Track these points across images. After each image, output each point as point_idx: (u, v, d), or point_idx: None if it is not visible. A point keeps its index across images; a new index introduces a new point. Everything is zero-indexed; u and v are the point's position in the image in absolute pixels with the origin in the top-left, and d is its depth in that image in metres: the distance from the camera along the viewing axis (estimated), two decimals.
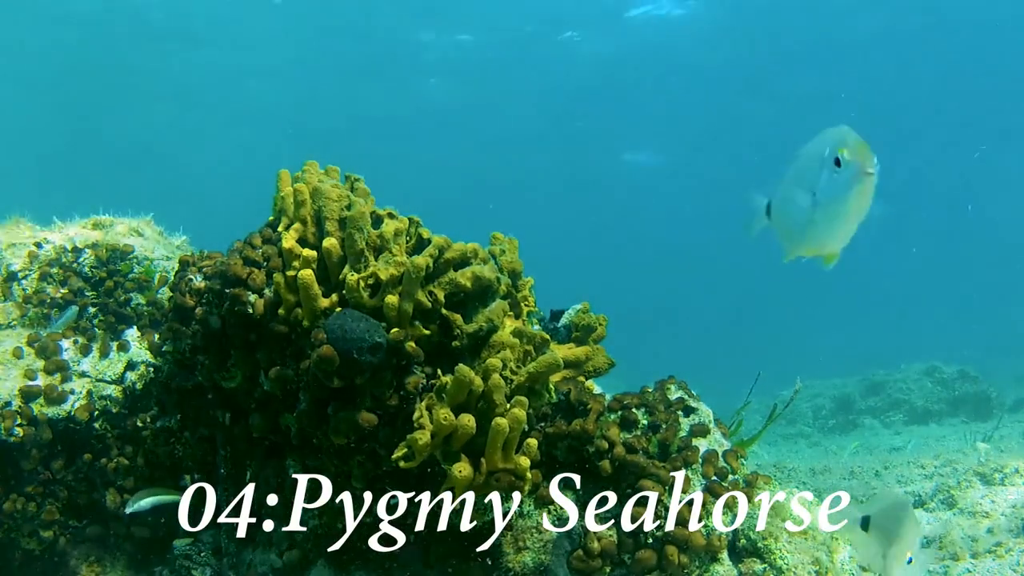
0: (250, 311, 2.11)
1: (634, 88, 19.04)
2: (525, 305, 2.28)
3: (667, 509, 2.12)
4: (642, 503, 2.11)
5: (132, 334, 2.79)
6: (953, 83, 18.38)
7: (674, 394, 2.39)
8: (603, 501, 2.15)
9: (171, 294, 2.42)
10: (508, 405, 1.89)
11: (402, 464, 1.91)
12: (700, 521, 2.12)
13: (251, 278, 2.13)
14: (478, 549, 2.10)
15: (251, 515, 2.41)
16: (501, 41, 16.80)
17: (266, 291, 2.12)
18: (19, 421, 2.46)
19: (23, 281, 2.97)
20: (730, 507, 2.17)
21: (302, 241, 2.13)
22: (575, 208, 27.49)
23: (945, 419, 8.76)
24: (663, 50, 16.97)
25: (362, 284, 2.01)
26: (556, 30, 16.67)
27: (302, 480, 2.23)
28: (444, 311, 2.05)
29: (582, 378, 2.32)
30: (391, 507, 2.09)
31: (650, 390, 2.39)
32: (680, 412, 2.31)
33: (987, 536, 3.12)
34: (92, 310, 2.90)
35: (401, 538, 2.17)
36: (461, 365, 1.86)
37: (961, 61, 17.23)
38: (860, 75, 17.86)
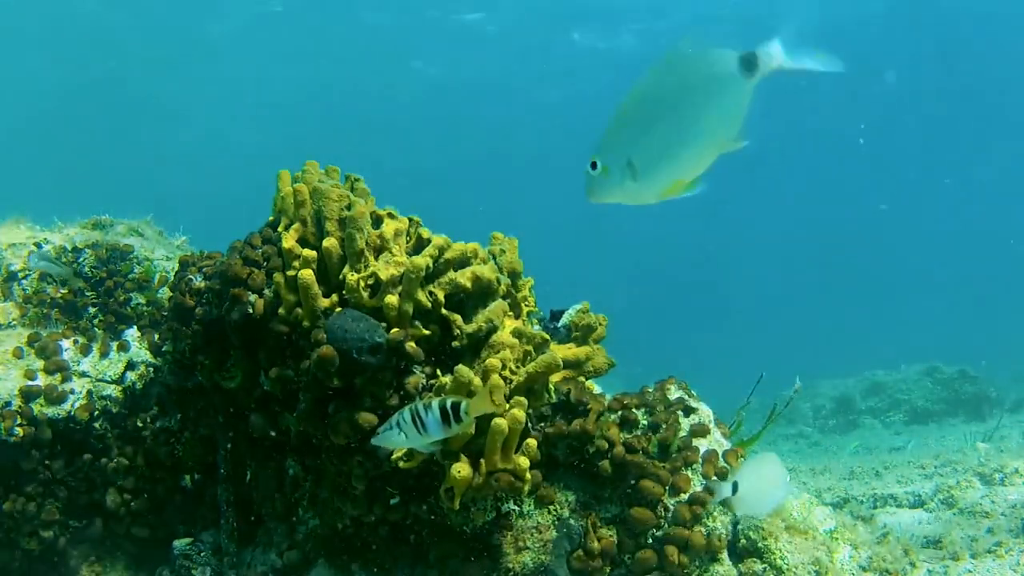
0: (250, 311, 2.11)
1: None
2: (525, 305, 2.28)
3: (667, 509, 2.12)
4: (643, 503, 2.11)
5: (132, 334, 2.79)
6: (953, 82, 18.38)
7: (674, 394, 2.39)
8: (603, 501, 2.16)
9: (171, 294, 2.42)
10: (507, 405, 1.89)
11: (401, 464, 1.91)
12: (700, 521, 2.12)
13: (251, 278, 2.13)
14: (478, 549, 2.10)
15: (251, 515, 2.42)
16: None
17: (266, 291, 2.12)
18: (19, 421, 2.46)
19: (23, 281, 2.97)
20: (730, 507, 2.17)
21: (302, 241, 2.13)
22: (577, 208, 27.51)
23: (945, 419, 8.76)
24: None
25: (362, 284, 2.01)
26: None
27: (302, 480, 2.23)
28: (444, 311, 2.05)
29: (582, 378, 2.32)
30: (391, 507, 2.09)
31: (650, 390, 2.39)
32: (680, 412, 2.31)
33: (987, 536, 3.12)
34: (92, 310, 2.91)
35: (401, 538, 2.17)
36: (460, 365, 1.86)
37: (962, 53, 17.22)
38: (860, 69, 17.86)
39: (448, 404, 1.64)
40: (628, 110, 1.23)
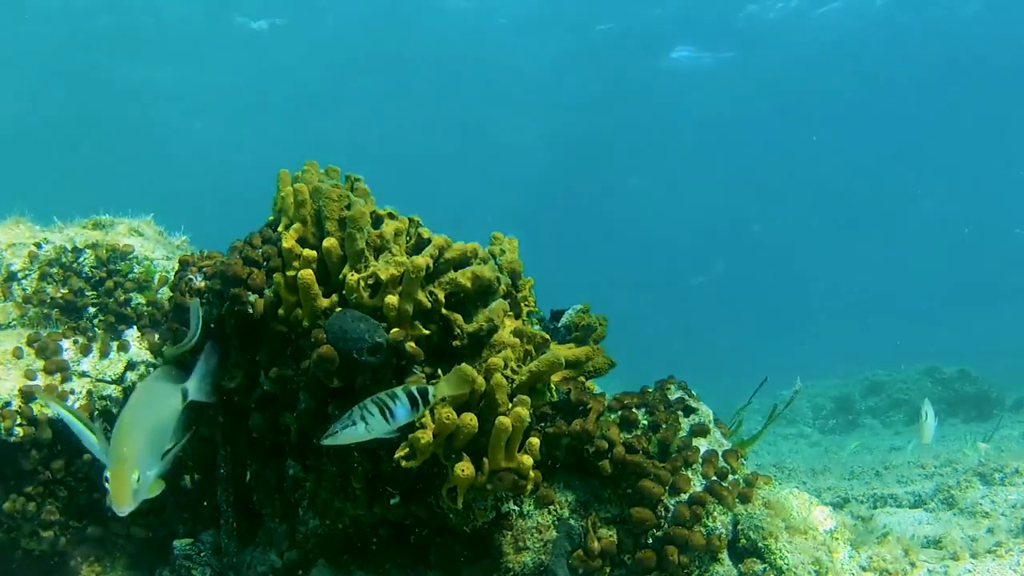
0: (250, 311, 2.11)
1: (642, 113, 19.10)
2: (525, 305, 2.28)
3: (667, 509, 2.12)
4: (643, 503, 2.11)
5: (132, 334, 2.79)
6: (951, 88, 18.40)
7: (674, 394, 2.39)
8: (603, 501, 2.15)
9: (171, 294, 2.42)
10: (511, 404, 1.89)
11: (404, 463, 1.91)
12: (700, 521, 2.12)
13: (251, 278, 2.13)
14: (478, 549, 2.10)
15: (251, 515, 2.42)
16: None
17: (266, 291, 2.12)
18: (19, 421, 2.46)
19: (23, 281, 2.97)
20: (729, 507, 2.17)
21: (302, 241, 2.13)
22: (576, 207, 27.52)
23: (945, 419, 8.75)
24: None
25: (362, 284, 2.01)
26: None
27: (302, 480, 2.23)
28: (444, 311, 2.05)
29: (582, 378, 2.32)
30: (391, 507, 2.09)
31: (650, 390, 2.39)
32: (680, 412, 2.31)
33: (987, 536, 3.12)
34: (92, 310, 2.90)
35: (401, 538, 2.17)
36: (464, 364, 1.86)
37: (957, 68, 17.24)
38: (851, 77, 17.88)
39: (415, 390, 1.73)
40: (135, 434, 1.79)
